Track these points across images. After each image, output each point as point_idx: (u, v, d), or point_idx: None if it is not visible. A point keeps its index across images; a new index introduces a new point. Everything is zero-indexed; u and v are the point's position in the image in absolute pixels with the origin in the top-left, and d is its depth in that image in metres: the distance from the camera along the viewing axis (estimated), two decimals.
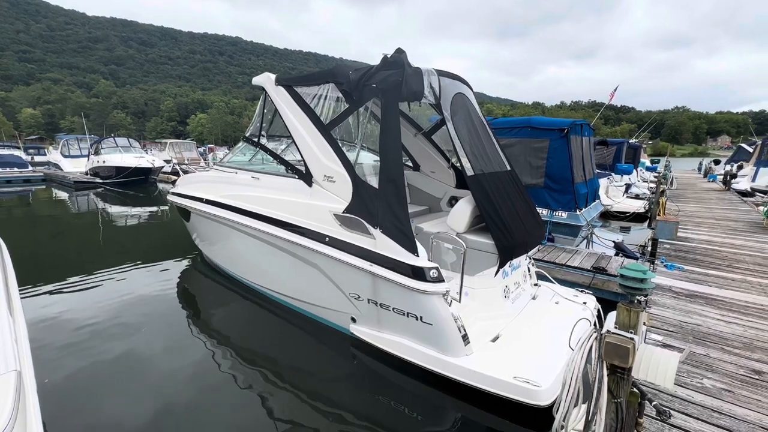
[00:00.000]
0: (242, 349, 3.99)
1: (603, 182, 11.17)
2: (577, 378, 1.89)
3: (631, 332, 1.74)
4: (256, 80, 4.68)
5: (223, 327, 4.48)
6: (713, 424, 2.28)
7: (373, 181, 3.66)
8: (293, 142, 4.23)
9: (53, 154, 25.23)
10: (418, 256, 3.36)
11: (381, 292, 3.55)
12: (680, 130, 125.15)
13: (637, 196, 13.49)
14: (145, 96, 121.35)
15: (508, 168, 4.50)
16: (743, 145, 25.40)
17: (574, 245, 6.59)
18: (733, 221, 8.86)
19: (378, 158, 3.71)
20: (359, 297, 3.75)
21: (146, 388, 3.27)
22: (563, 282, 4.95)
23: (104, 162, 18.91)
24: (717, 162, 26.03)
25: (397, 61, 3.59)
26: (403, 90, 3.50)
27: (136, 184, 18.85)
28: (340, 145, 3.97)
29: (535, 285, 4.65)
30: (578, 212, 6.46)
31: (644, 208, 11.41)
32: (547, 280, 4.81)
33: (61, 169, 21.94)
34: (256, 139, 4.83)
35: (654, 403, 1.75)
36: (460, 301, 3.50)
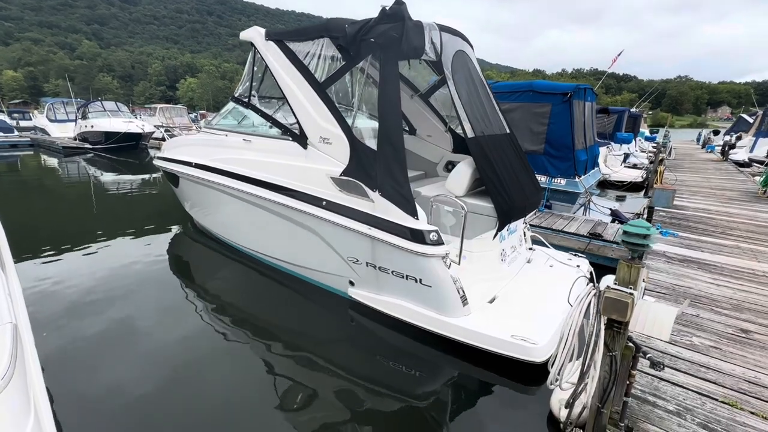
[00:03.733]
0: (238, 314, 3.99)
1: (602, 151, 11.08)
2: (574, 332, 1.92)
3: (631, 288, 1.74)
4: (244, 35, 4.43)
5: (219, 293, 4.44)
6: (701, 378, 2.37)
7: (372, 143, 3.56)
8: (286, 102, 4.06)
9: (39, 119, 24.40)
10: (417, 219, 3.33)
11: (380, 256, 3.55)
12: (681, 101, 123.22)
13: (635, 166, 13.46)
14: (132, 58, 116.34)
15: (508, 131, 4.40)
16: (744, 115, 25.15)
17: (571, 212, 6.61)
18: (729, 191, 8.90)
19: (376, 120, 3.60)
20: (357, 261, 3.76)
21: (143, 354, 3.24)
22: (559, 247, 5.00)
23: (92, 127, 18.36)
24: (716, 133, 25.84)
25: (396, 13, 3.40)
26: (403, 45, 3.34)
27: (127, 149, 18.40)
28: (337, 105, 3.83)
29: (530, 249, 4.69)
30: (577, 179, 6.42)
31: (641, 177, 11.41)
32: (542, 244, 4.86)
33: (49, 135, 21.30)
34: (246, 100, 4.63)
35: (648, 355, 1.79)
36: (459, 264, 3.51)
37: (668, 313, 1.69)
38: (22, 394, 1.43)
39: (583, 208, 6.91)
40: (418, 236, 3.25)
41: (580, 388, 2.00)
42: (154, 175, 12.70)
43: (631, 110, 18.81)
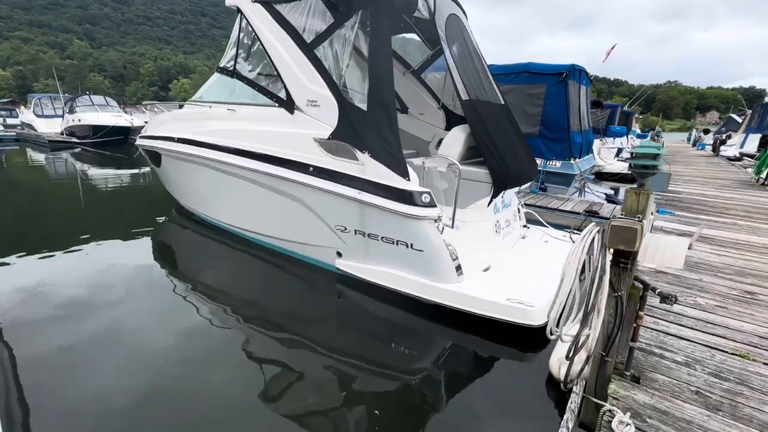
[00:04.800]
0: (224, 297, 3.64)
1: (595, 143, 11.04)
2: (576, 271, 1.76)
3: (639, 217, 1.59)
4: (230, 0, 4.26)
5: (204, 278, 4.10)
6: (708, 333, 2.23)
7: (362, 104, 3.39)
8: (273, 67, 3.89)
9: (26, 114, 23.89)
10: (409, 180, 3.17)
11: (369, 221, 3.38)
12: (671, 105, 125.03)
13: (627, 159, 13.46)
14: (124, 58, 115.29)
15: (502, 102, 4.27)
16: (733, 115, 25.48)
17: (567, 195, 6.50)
18: (722, 179, 8.87)
19: (366, 82, 3.43)
20: (345, 229, 3.58)
21: (130, 342, 2.83)
22: (555, 226, 4.87)
23: (80, 120, 17.97)
24: (706, 131, 26.16)
25: None
26: (395, 0, 3.19)
27: (115, 144, 18.02)
28: (326, 67, 3.66)
29: (525, 227, 4.55)
30: (572, 161, 6.32)
31: None
32: (537, 223, 4.72)
33: (35, 130, 20.84)
34: (231, 69, 4.45)
35: (658, 290, 1.63)
36: (453, 227, 3.35)
37: (680, 242, 1.54)
38: None
39: (578, 192, 6.80)
40: (409, 198, 3.09)
41: (581, 338, 1.84)
42: (143, 170, 12.36)
43: (624, 108, 18.92)
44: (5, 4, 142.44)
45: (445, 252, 3.10)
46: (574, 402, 1.68)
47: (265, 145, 3.93)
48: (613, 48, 12.56)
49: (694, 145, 22.15)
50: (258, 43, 4.06)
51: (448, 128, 5.26)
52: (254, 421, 2.08)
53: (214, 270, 4.31)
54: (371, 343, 3.09)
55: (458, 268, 3.14)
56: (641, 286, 1.70)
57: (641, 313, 1.72)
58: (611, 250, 1.62)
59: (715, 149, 15.70)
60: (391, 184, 3.16)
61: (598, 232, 1.75)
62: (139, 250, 4.86)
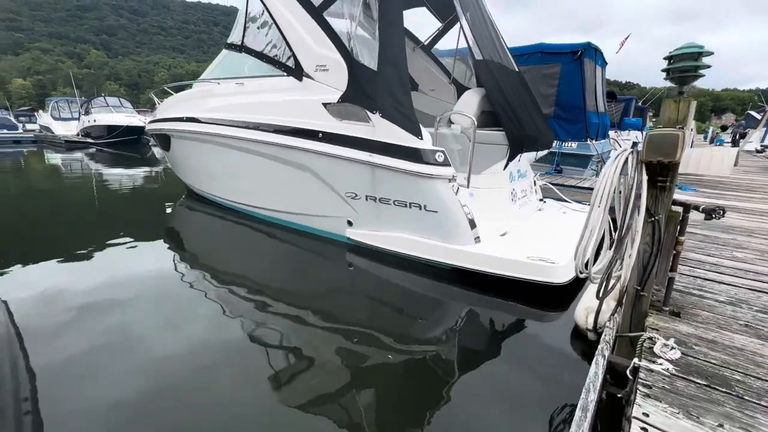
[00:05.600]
0: (234, 277, 3.43)
1: (610, 134, 10.78)
2: (607, 196, 1.61)
3: (680, 127, 1.44)
4: None
5: (215, 260, 3.92)
6: (750, 279, 2.04)
7: (372, 64, 3.29)
8: (281, 35, 3.83)
9: (43, 117, 24.49)
10: (422, 139, 3.05)
11: (380, 185, 3.27)
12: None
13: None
14: (139, 67, 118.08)
15: (517, 69, 4.13)
16: (751, 112, 24.86)
17: (584, 177, 6.29)
18: (744, 167, 8.55)
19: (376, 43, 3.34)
20: (356, 195, 3.47)
21: (146, 332, 2.52)
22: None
23: (95, 121, 18.33)
24: (724, 128, 25.50)
25: None
26: None
27: (129, 144, 18.32)
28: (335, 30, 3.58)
29: (541, 200, 4.38)
30: (590, 142, 6.12)
31: None
32: (553, 198, 4.54)
33: (52, 132, 21.32)
34: (239, 43, 4.41)
35: (702, 207, 1.47)
36: (468, 187, 3.21)
37: (729, 152, 1.39)
38: None
39: (596, 174, 6.57)
40: (422, 156, 2.97)
41: (614, 269, 1.68)
42: (156, 169, 12.44)
43: (639, 103, 18.52)
44: (27, 17, 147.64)
45: (460, 212, 2.96)
46: (608, 335, 1.53)
47: (273, 115, 3.86)
48: (626, 38, 12.31)
49: (711, 141, 21.57)
50: (266, 14, 4.01)
51: None
52: (270, 396, 1.92)
53: (223, 252, 4.18)
54: (386, 312, 2.92)
55: (474, 226, 2.99)
56: (681, 208, 1.55)
57: (681, 238, 1.57)
58: (646, 174, 1.47)
59: (735, 143, 15.23)
60: (403, 144, 3.05)
61: (632, 152, 1.60)
62: (149, 239, 4.70)
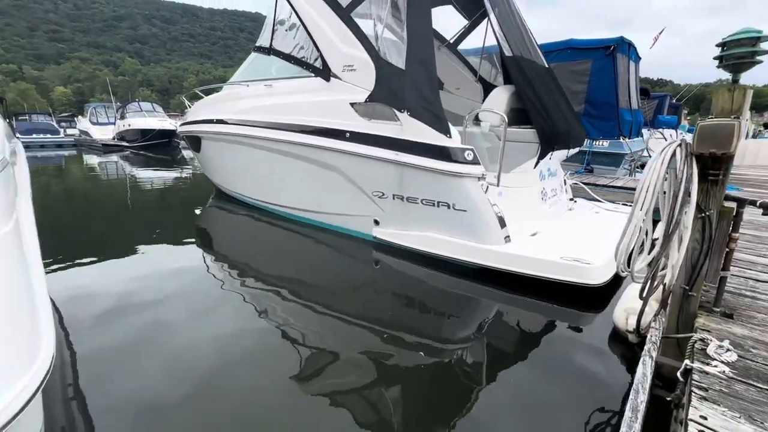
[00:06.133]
0: (264, 277, 3.44)
1: (643, 133, 10.36)
2: (653, 191, 1.54)
3: (735, 117, 1.37)
4: None
5: (243, 258, 3.96)
6: None
7: (400, 63, 3.29)
8: (309, 36, 3.88)
9: (82, 122, 25.86)
10: (450, 137, 3.02)
11: (408, 184, 3.26)
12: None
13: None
14: (169, 74, 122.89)
15: (547, 66, 4.04)
16: None
17: (616, 177, 6.07)
18: None
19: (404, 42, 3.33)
20: (383, 195, 3.47)
21: (175, 326, 2.58)
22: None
23: (130, 125, 19.19)
24: (766, 126, 24.01)
25: None
26: None
27: (161, 146, 19.06)
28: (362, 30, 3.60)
29: (572, 200, 4.25)
30: (622, 140, 5.90)
31: None
32: (584, 198, 4.41)
33: (90, 136, 22.48)
34: (267, 46, 4.51)
35: (759, 202, 1.38)
36: (498, 185, 3.16)
37: None
38: (2, 199, 1.22)
39: (629, 173, 6.34)
40: (451, 155, 2.94)
41: (659, 267, 1.61)
42: (185, 170, 12.85)
43: (674, 100, 17.72)
44: (68, 28, 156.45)
45: (490, 211, 2.92)
46: (654, 335, 1.46)
47: (301, 116, 3.92)
48: (661, 32, 11.80)
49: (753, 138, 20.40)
50: (294, 16, 4.08)
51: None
52: (295, 391, 1.94)
53: (252, 251, 4.26)
54: (413, 310, 2.89)
55: (503, 226, 2.93)
56: (735, 203, 1.46)
57: (735, 235, 1.48)
58: (696, 165, 1.40)
59: None
60: (431, 142, 3.03)
61: (680, 144, 1.53)
62: (180, 239, 4.76)
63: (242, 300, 2.99)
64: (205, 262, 3.89)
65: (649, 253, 1.68)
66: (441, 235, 3.16)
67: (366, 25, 3.57)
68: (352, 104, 3.52)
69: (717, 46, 1.44)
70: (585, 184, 5.05)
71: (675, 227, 1.49)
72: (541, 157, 3.32)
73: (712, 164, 1.41)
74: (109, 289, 3.18)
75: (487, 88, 4.96)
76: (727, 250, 1.50)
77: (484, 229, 2.92)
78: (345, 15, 3.61)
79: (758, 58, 1.36)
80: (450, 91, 5.31)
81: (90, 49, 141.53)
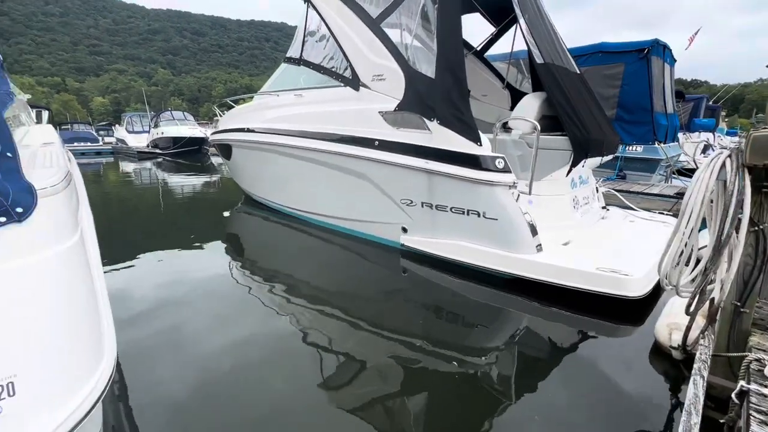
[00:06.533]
0: (290, 282, 3.51)
1: (679, 138, 9.95)
2: (701, 201, 1.49)
3: None
4: None
5: (270, 264, 4.06)
6: None
7: (430, 72, 3.32)
8: (338, 47, 3.97)
9: (119, 131, 27.27)
10: (481, 145, 3.01)
11: (437, 192, 3.26)
12: (763, 106, 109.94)
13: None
14: (198, 83, 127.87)
15: (578, 72, 3.97)
16: None
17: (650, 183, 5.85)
18: None
19: (434, 50, 3.36)
20: (411, 202, 3.49)
21: (203, 328, 2.68)
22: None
23: (162, 134, 20.08)
24: None
25: None
26: None
27: (191, 154, 19.83)
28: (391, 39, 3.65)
29: (604, 208, 4.13)
30: (658, 145, 5.70)
31: None
32: (618, 206, 4.27)
33: (126, 144, 23.66)
34: (297, 57, 4.63)
35: None
36: (530, 194, 3.11)
37: None
38: (67, 214, 1.31)
39: (665, 179, 6.10)
40: (482, 163, 2.93)
41: (707, 282, 1.55)
42: (214, 176, 13.31)
43: (710, 102, 16.95)
44: (107, 42, 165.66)
45: (521, 220, 2.88)
46: (704, 354, 1.40)
47: (331, 124, 4.00)
48: (696, 33, 11.35)
49: None
50: (324, 27, 4.19)
51: (513, 109, 5.02)
52: (317, 396, 1.96)
53: (279, 256, 4.36)
54: (440, 319, 2.86)
55: (536, 235, 2.89)
56: None
57: None
58: (750, 175, 1.35)
59: None
60: (462, 150, 3.03)
61: (731, 154, 1.47)
62: (209, 243, 4.89)
63: (267, 303, 3.07)
64: (233, 266, 4.01)
65: (695, 267, 1.62)
66: (471, 244, 3.14)
67: (395, 35, 3.62)
68: (381, 113, 3.56)
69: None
70: (618, 191, 4.90)
71: (726, 241, 1.43)
72: (574, 165, 3.26)
73: (767, 176, 1.35)
74: (140, 292, 3.35)
75: (515, 95, 4.92)
76: None
77: (516, 238, 2.89)
78: (375, 25, 3.67)
79: None
80: (477, 98, 5.28)
81: (126, 62, 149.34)
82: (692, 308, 1.60)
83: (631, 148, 5.85)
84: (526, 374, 2.11)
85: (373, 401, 1.90)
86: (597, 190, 4.17)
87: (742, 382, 1.19)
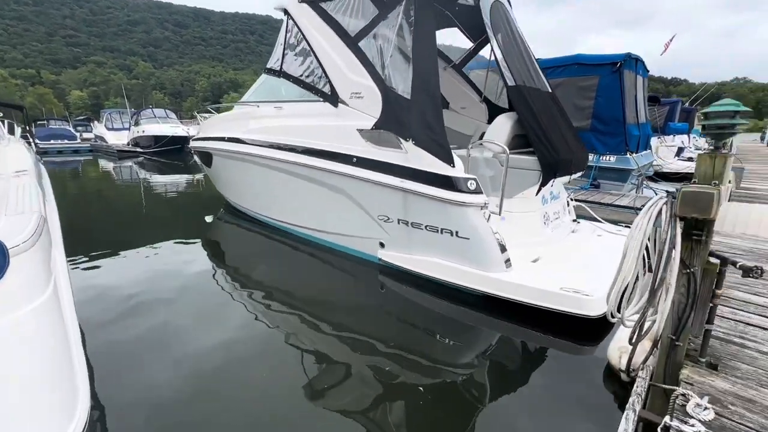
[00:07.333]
0: (268, 290, 3.65)
1: (653, 141, 10.28)
2: (640, 245, 1.62)
3: (715, 182, 1.45)
4: (278, 3, 4.47)
5: (250, 271, 4.17)
6: None
7: (405, 93, 3.40)
8: (318, 62, 4.02)
9: (98, 128, 26.53)
10: (454, 167, 3.12)
11: (412, 210, 3.36)
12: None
13: (690, 159, 12.38)
14: (181, 77, 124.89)
15: (550, 91, 4.10)
16: None
17: (622, 192, 6.08)
18: None
19: (410, 72, 3.44)
20: (388, 219, 3.58)
21: (182, 336, 2.83)
22: (608, 221, 4.56)
23: (143, 132, 19.63)
24: None
25: None
26: None
27: (173, 153, 19.44)
28: (369, 59, 3.71)
29: (575, 221, 4.30)
30: (629, 155, 5.91)
31: None
32: (587, 218, 4.46)
33: (106, 141, 23.04)
34: (277, 68, 4.65)
35: (739, 263, 1.46)
36: (500, 214, 3.24)
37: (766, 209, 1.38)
38: (41, 267, 1.36)
39: (635, 189, 6.34)
40: (454, 184, 3.03)
41: (647, 321, 1.69)
42: (197, 176, 13.16)
43: (685, 105, 17.49)
44: (84, 33, 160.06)
45: (492, 239, 3.00)
46: (640, 386, 1.54)
47: (310, 139, 4.05)
48: (671, 39, 11.70)
49: None
50: (303, 41, 4.21)
51: (490, 122, 5.13)
52: (298, 411, 2.07)
53: (259, 264, 4.45)
54: (416, 334, 3.00)
55: (505, 254, 3.02)
56: (718, 261, 1.54)
57: (719, 291, 1.55)
58: (681, 223, 1.48)
59: None
60: (435, 171, 3.12)
61: (665, 203, 1.61)
62: (191, 247, 5.07)
63: (245, 312, 3.21)
64: (211, 271, 4.15)
65: (638, 302, 1.76)
66: (444, 261, 3.25)
67: (373, 54, 3.68)
68: (359, 130, 3.63)
69: (701, 114, 1.52)
70: (589, 202, 5.09)
71: (660, 283, 1.57)
72: (543, 184, 3.39)
73: (695, 225, 1.49)
74: (117, 294, 3.48)
75: (491, 107, 5.04)
76: (711, 305, 1.57)
77: (487, 258, 3.01)
78: (353, 44, 3.73)
79: (737, 128, 1.44)
80: (456, 110, 5.39)
81: (105, 54, 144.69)
82: (633, 340, 1.73)
83: (604, 157, 6.05)
84: (491, 388, 2.27)
85: (343, 409, 2.06)
86: (568, 204, 4.34)
87: (666, 418, 1.33)
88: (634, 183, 6.16)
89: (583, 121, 6.20)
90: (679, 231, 1.51)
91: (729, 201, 1.65)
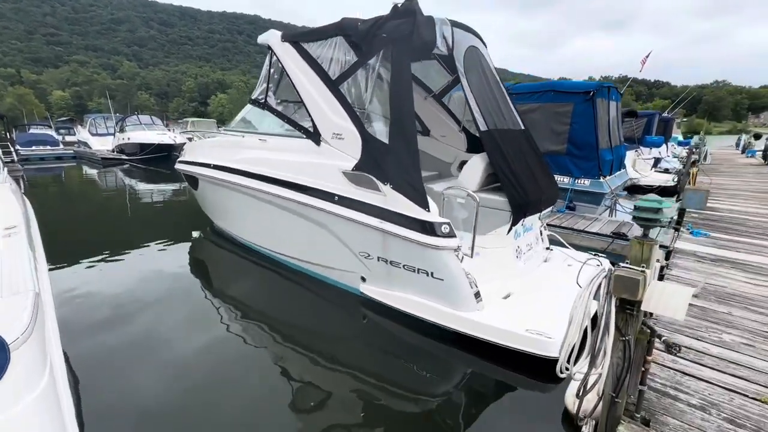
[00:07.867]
0: (252, 314, 3.90)
1: (630, 155, 10.68)
2: (583, 314, 1.83)
3: (643, 266, 1.66)
4: (262, 38, 4.60)
5: (234, 295, 4.38)
6: (729, 374, 2.20)
7: (384, 138, 3.58)
8: (300, 100, 4.17)
9: (82, 133, 26.03)
10: (429, 211, 3.30)
11: (391, 250, 3.54)
12: (718, 107, 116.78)
13: (666, 171, 12.85)
14: (167, 77, 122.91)
15: (522, 128, 4.33)
16: None
17: (596, 214, 6.37)
18: None
19: (388, 116, 3.62)
20: (369, 255, 3.75)
21: (162, 350, 3.18)
22: (580, 248, 4.82)
23: (129, 139, 19.40)
24: (757, 137, 24.35)
25: (408, 9, 3.45)
26: (414, 39, 3.38)
27: (160, 160, 19.25)
28: (349, 102, 3.88)
29: (548, 249, 4.54)
30: (602, 179, 6.21)
31: (673, 181, 10.88)
32: (560, 245, 4.70)
33: (90, 147, 22.66)
34: (262, 101, 4.78)
35: (663, 338, 1.68)
36: (472, 257, 3.44)
37: (683, 292, 1.59)
38: (39, 355, 1.48)
39: (609, 210, 6.64)
40: (429, 228, 3.22)
41: (590, 377, 1.90)
42: (184, 184, 13.15)
43: (663, 114, 18.10)
44: (66, 31, 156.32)
45: (464, 281, 3.20)
46: None
47: (294, 174, 4.19)
48: (647, 56, 12.15)
49: (743, 152, 20.71)
50: (287, 78, 4.36)
51: (469, 150, 5.36)
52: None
53: (244, 288, 4.63)
54: (393, 365, 3.24)
55: (477, 296, 3.22)
56: (649, 331, 1.75)
57: (649, 357, 1.77)
58: (615, 304, 1.69)
59: (766, 157, 14.67)
60: (411, 215, 3.30)
61: (605, 277, 1.81)
62: (176, 263, 5.32)
63: (228, 334, 3.49)
64: (196, 293, 4.33)
65: (585, 358, 1.98)
66: (421, 299, 3.44)
67: (353, 98, 3.85)
68: (341, 170, 3.79)
69: (634, 210, 1.74)
70: (562, 228, 5.35)
71: (599, 350, 1.78)
72: (514, 224, 3.61)
73: (628, 301, 1.70)
74: (96, 297, 3.88)
75: (470, 137, 5.25)
76: (643, 369, 1.79)
77: (459, 297, 3.21)
78: (334, 86, 3.89)
79: (663, 220, 1.65)
80: (436, 137, 5.60)
81: (88, 53, 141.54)
82: (579, 395, 1.94)
83: (579, 181, 6.33)
84: (463, 421, 2.54)
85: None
86: (542, 233, 4.57)
87: None
88: (607, 205, 6.46)
89: (559, 145, 6.48)
90: (614, 307, 1.72)
91: (657, 278, 1.86)
